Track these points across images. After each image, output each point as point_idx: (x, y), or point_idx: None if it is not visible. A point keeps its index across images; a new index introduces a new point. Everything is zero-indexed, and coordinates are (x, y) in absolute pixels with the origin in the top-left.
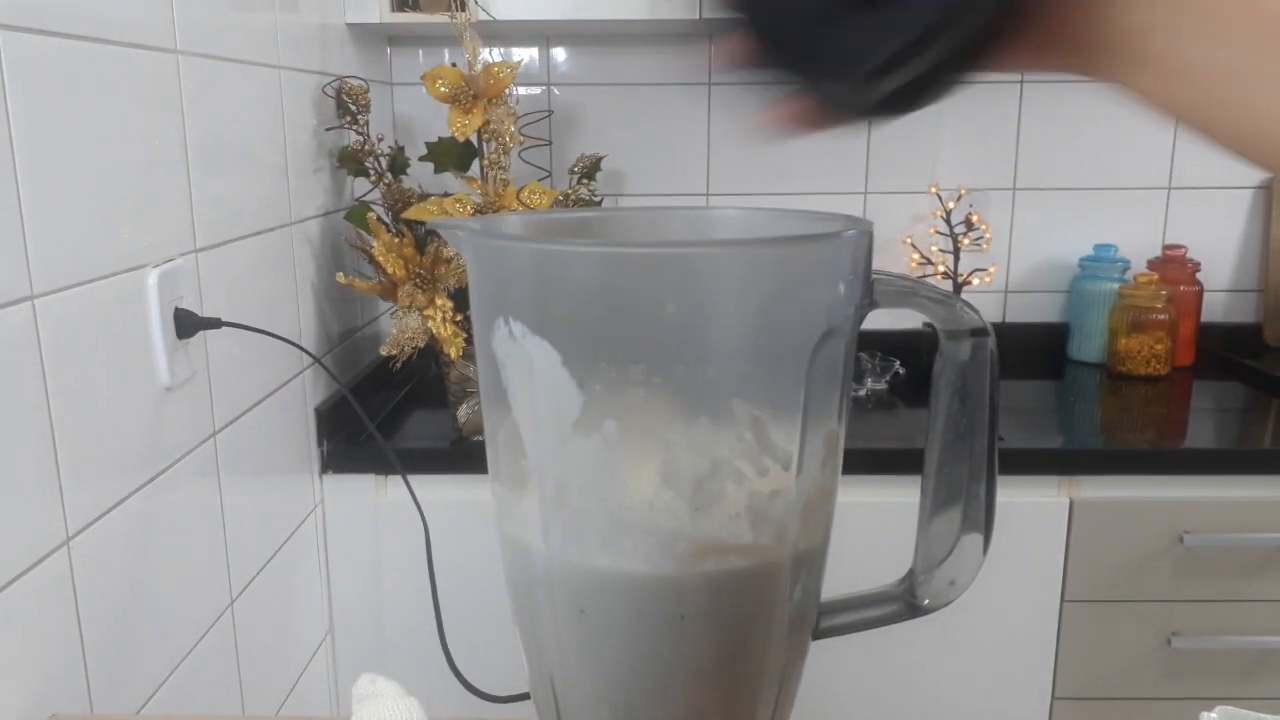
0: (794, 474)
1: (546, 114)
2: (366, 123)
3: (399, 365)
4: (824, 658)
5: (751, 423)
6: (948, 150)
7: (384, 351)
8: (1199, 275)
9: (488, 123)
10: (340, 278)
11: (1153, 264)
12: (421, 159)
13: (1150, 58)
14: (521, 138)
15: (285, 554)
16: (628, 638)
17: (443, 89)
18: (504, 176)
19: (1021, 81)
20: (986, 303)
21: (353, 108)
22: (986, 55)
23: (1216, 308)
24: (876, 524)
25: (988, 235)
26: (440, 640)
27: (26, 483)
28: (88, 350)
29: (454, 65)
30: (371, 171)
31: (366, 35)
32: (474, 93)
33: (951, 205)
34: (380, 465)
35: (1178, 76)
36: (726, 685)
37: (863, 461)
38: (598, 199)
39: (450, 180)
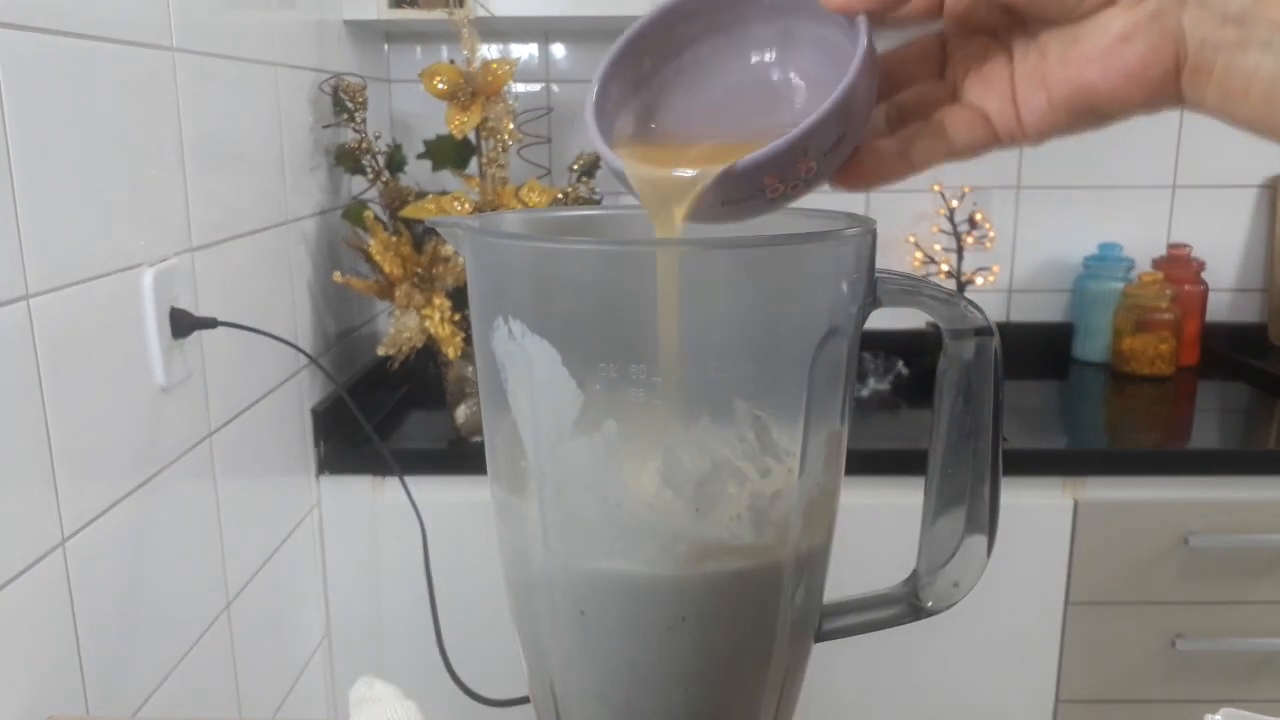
0: (796, 474)
1: (545, 111)
2: (364, 120)
3: (396, 365)
4: (826, 660)
5: (753, 423)
6: None
7: (381, 351)
8: (1204, 274)
9: (486, 120)
10: (337, 277)
11: (1157, 263)
12: (419, 157)
13: (1218, 73)
14: (520, 135)
15: (282, 556)
16: (628, 640)
17: (441, 86)
18: (502, 174)
19: None
20: (990, 302)
21: (350, 105)
22: None
23: (1221, 307)
24: (879, 525)
25: (991, 234)
26: (438, 643)
27: (22, 483)
28: (83, 350)
29: (452, 62)
30: (369, 169)
31: (364, 32)
32: (472, 90)
33: (955, 203)
34: (377, 466)
35: (1245, 89)
36: (728, 688)
37: (865, 462)
38: (597, 197)
39: (448, 178)
